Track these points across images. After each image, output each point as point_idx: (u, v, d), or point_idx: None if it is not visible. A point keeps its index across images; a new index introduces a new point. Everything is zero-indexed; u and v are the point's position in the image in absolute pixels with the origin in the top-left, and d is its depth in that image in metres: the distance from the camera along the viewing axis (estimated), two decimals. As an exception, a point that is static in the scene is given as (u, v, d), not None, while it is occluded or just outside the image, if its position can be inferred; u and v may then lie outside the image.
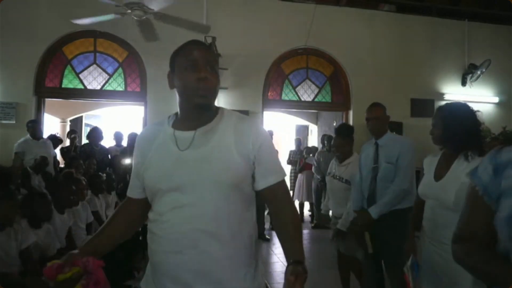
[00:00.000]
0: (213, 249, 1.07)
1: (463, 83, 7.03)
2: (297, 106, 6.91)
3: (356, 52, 6.62)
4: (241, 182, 1.12)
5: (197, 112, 1.16)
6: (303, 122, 9.85)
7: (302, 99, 6.73)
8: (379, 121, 2.58)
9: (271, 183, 1.15)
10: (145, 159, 1.18)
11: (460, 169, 1.74)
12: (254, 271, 1.16)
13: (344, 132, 3.02)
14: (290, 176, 7.22)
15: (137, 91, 6.13)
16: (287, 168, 7.62)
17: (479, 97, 6.54)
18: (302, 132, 10.30)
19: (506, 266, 0.85)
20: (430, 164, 1.95)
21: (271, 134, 6.68)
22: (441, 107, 1.89)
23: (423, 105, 6.79)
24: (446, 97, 6.95)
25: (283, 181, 1.19)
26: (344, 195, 2.90)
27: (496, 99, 7.11)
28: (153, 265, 1.17)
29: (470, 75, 6.90)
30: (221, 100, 6.06)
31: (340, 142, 2.98)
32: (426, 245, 1.89)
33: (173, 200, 1.10)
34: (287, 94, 6.68)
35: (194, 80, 1.11)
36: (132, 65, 6.11)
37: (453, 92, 7.00)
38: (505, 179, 0.88)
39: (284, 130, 10.67)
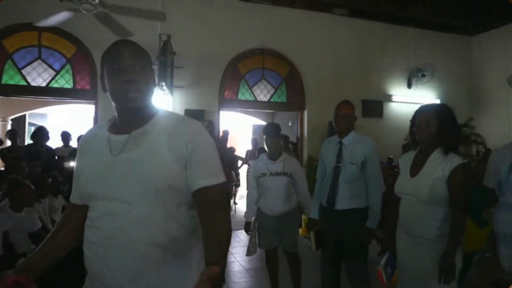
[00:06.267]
0: (146, 253, 1.04)
1: (409, 86, 7.48)
2: (253, 106, 6.95)
3: (311, 54, 6.79)
4: (174, 184, 1.08)
5: (130, 115, 1.12)
6: (259, 122, 9.93)
7: (258, 99, 6.78)
8: (349, 119, 2.57)
9: (201, 185, 1.09)
10: (81, 163, 1.16)
11: (434, 164, 1.86)
12: (191, 272, 1.10)
13: (274, 131, 3.10)
14: (247, 175, 7.24)
15: (86, 89, 5.84)
16: (244, 167, 7.63)
17: (423, 99, 6.95)
18: (259, 132, 10.38)
19: None
20: (406, 162, 2.02)
21: (226, 133, 6.66)
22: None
23: (372, 106, 7.15)
24: (394, 98, 7.35)
25: (218, 186, 1.12)
26: (286, 191, 2.98)
27: (438, 101, 7.62)
28: (89, 272, 1.12)
29: (415, 78, 7.36)
30: (177, 99, 5.95)
31: (274, 141, 3.04)
32: (403, 241, 1.94)
33: (104, 207, 1.08)
34: (244, 94, 6.71)
35: (121, 83, 1.07)
36: (81, 62, 5.81)
37: (400, 94, 7.42)
38: None
39: (241, 129, 10.70)
